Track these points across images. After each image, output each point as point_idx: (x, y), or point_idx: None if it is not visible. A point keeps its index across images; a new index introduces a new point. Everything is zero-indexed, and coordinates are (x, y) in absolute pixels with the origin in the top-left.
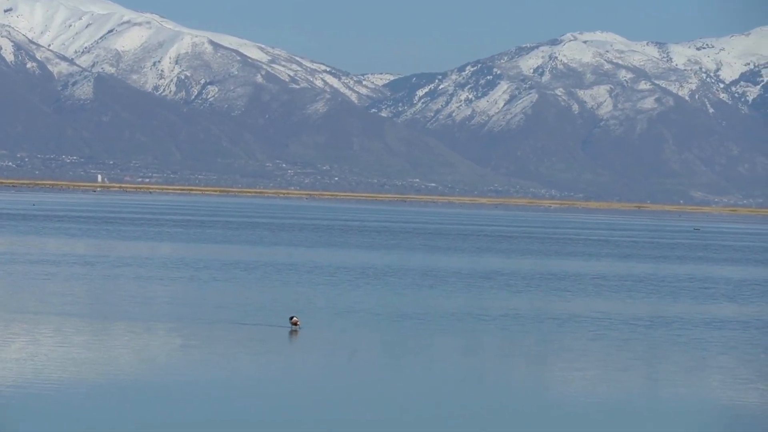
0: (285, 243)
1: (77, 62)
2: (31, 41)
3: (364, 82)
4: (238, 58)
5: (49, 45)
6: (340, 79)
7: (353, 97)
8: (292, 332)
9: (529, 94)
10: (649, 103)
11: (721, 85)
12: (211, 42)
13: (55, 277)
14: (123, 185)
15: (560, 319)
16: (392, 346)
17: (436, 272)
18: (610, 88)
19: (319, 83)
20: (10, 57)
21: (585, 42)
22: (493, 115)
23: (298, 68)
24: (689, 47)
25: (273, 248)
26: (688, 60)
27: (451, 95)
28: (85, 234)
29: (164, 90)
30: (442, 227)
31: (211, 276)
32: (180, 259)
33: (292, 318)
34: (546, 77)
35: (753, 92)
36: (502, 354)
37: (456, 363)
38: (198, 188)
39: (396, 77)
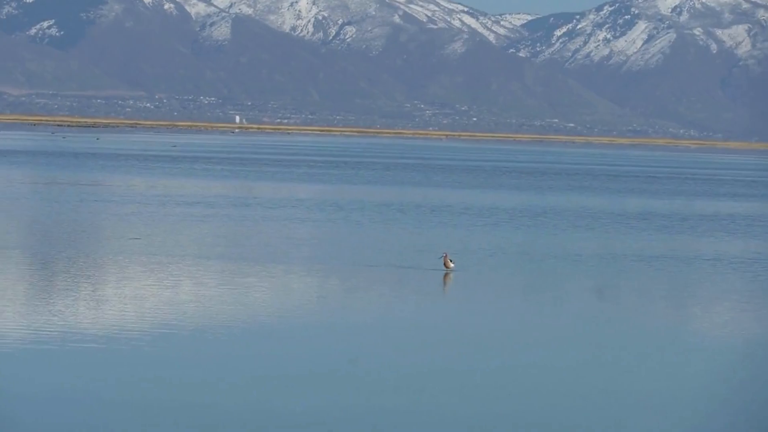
0: (434, 184)
1: (214, 3)
2: None
3: (501, 22)
4: None
5: None
6: (477, 19)
7: (491, 38)
8: (446, 275)
9: (667, 33)
10: None
11: None
12: None
13: (207, 219)
14: (261, 126)
15: (717, 259)
16: (549, 288)
17: (590, 213)
18: (749, 27)
19: (456, 23)
20: None
21: None
22: (631, 55)
23: (436, 8)
24: None
25: (423, 189)
26: None
27: (589, 35)
28: (232, 175)
29: (302, 30)
30: (588, 168)
31: (364, 217)
32: (330, 200)
33: (444, 259)
34: (684, 17)
35: None
36: (661, 295)
37: (614, 305)
38: (336, 129)
39: (534, 17)
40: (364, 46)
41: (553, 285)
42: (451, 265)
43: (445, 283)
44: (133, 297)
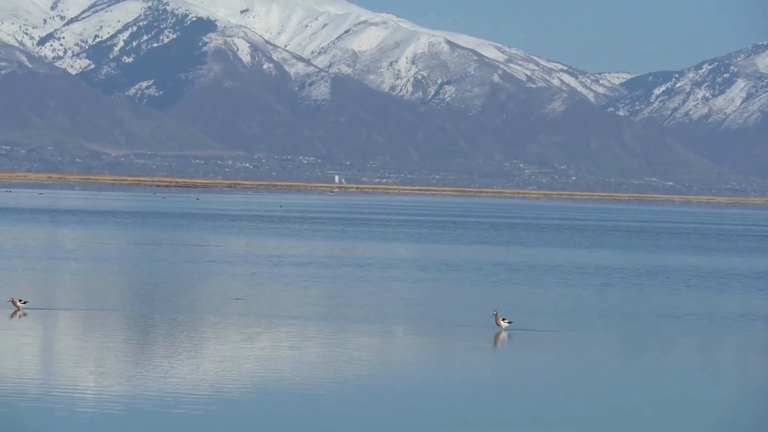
0: (542, 243)
1: (314, 63)
2: (267, 42)
3: (600, 81)
4: (475, 57)
5: (286, 46)
6: (576, 78)
7: (590, 96)
8: (498, 334)
9: (766, 91)
10: None
11: None
12: (448, 42)
13: (309, 279)
14: (360, 186)
15: None
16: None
17: (703, 272)
18: None
19: (556, 82)
20: (246, 58)
21: None
22: (729, 114)
23: (535, 67)
24: None
25: (530, 249)
26: None
27: (688, 93)
28: (333, 235)
29: (401, 90)
30: (693, 226)
31: (474, 276)
32: (435, 260)
33: (496, 315)
34: None
35: None
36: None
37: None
38: (435, 188)
39: (632, 76)
40: (463, 106)
41: (677, 347)
42: (503, 323)
43: (496, 341)
44: (234, 357)
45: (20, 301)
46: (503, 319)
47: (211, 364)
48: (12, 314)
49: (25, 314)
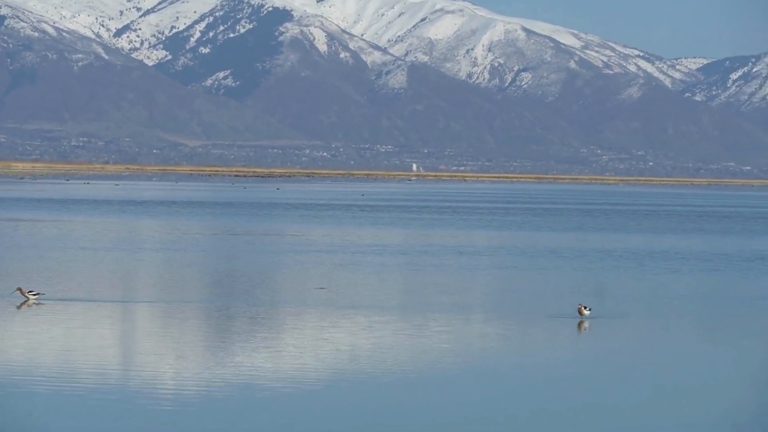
0: (639, 230)
1: (390, 51)
2: (344, 31)
3: (677, 67)
4: (551, 44)
5: (362, 35)
6: (653, 63)
7: (667, 82)
8: (580, 322)
9: None
10: None
11: None
12: (524, 29)
13: (391, 267)
14: (438, 174)
15: None
16: None
17: None
18: None
19: (632, 68)
20: (323, 47)
21: None
22: None
23: (611, 53)
24: None
25: (629, 235)
26: None
27: (765, 78)
28: (413, 223)
29: (478, 77)
30: None
31: (554, 263)
32: (516, 247)
33: (581, 307)
34: None
35: None
36: None
37: None
38: (513, 175)
39: (709, 61)
40: (539, 92)
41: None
42: (586, 312)
43: (580, 329)
44: (316, 347)
45: (29, 292)
46: (585, 308)
47: (292, 354)
48: (20, 304)
49: (40, 303)
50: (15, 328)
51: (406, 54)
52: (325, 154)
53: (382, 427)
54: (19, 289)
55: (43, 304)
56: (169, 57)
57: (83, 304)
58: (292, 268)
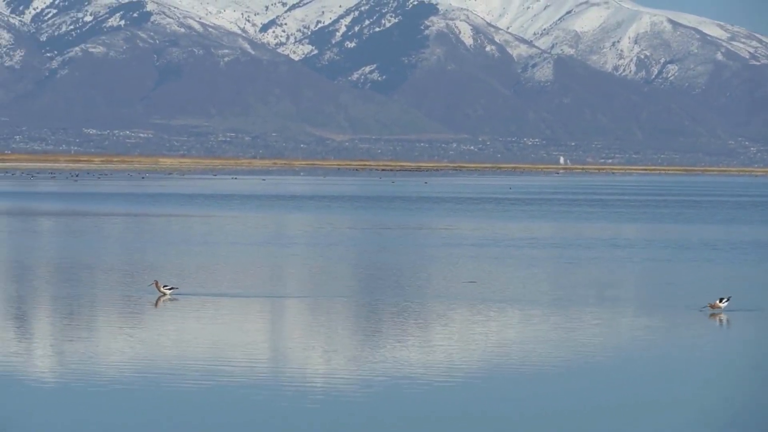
0: None
1: (536, 44)
2: (489, 24)
3: None
4: (698, 36)
5: (508, 28)
6: None
7: None
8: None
9: None
10: None
11: None
12: (670, 20)
13: (540, 261)
14: (585, 167)
15: None
16: None
17: None
18: None
19: None
20: (469, 41)
21: None
22: None
23: (758, 45)
24: None
25: None
26: None
27: None
28: (562, 216)
29: (624, 70)
30: None
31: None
32: (677, 238)
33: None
34: None
35: None
36: None
37: None
38: (660, 168)
39: None
40: (686, 84)
41: None
42: (721, 305)
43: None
44: (465, 341)
45: (165, 286)
46: (722, 300)
47: (442, 348)
48: (156, 300)
49: (175, 299)
50: (168, 322)
51: (552, 47)
52: (471, 147)
53: (539, 418)
54: (155, 283)
55: (176, 299)
56: (315, 52)
57: (232, 300)
58: (443, 262)
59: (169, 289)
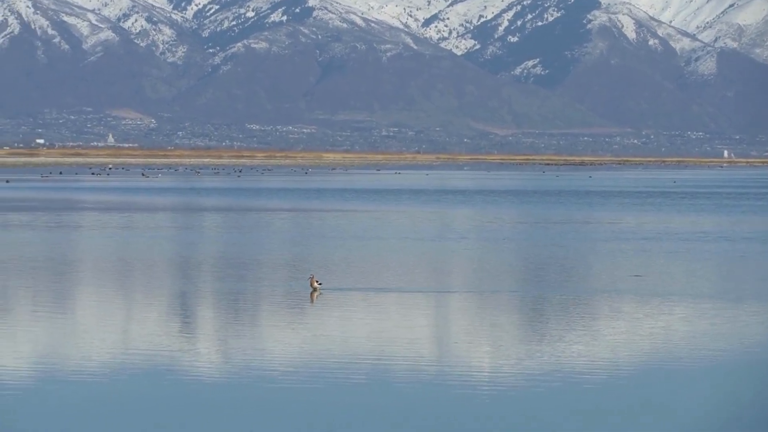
0: None
1: (699, 38)
2: (652, 18)
3: None
4: None
5: (671, 21)
6: None
7: None
8: None
9: None
10: None
11: None
12: None
13: (701, 254)
14: (749, 160)
15: None
16: None
17: None
18: None
19: None
20: (632, 34)
21: None
22: None
23: None
24: None
25: None
26: None
27: None
28: (726, 210)
29: None
30: None
31: None
32: None
33: None
34: None
35: None
36: None
37: None
38: None
39: None
40: None
41: None
42: None
43: None
44: (629, 335)
45: (318, 282)
46: None
47: (606, 342)
48: (311, 294)
49: (321, 294)
50: (331, 317)
51: (715, 40)
52: (635, 141)
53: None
54: (311, 278)
55: (331, 294)
56: (478, 46)
57: (396, 295)
58: (609, 256)
59: (319, 284)
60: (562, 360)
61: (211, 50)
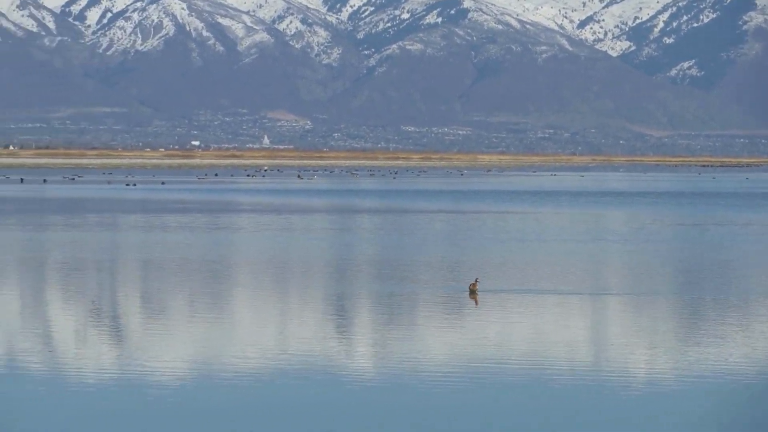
0: None
1: None
2: None
3: None
4: None
5: None
6: None
7: None
8: None
9: None
10: None
11: None
12: None
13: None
14: None
15: None
16: None
17: None
18: None
19: None
20: None
21: None
22: None
23: None
24: None
25: None
26: None
27: None
28: None
29: None
30: None
31: None
32: None
33: None
34: None
35: None
36: None
37: None
38: None
39: None
40: None
41: None
42: None
43: None
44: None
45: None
46: None
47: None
48: (470, 295)
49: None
50: (490, 318)
51: None
52: None
53: None
54: (475, 281)
55: (492, 297)
56: (633, 48)
57: (554, 297)
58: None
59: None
60: (720, 363)
61: (366, 52)
